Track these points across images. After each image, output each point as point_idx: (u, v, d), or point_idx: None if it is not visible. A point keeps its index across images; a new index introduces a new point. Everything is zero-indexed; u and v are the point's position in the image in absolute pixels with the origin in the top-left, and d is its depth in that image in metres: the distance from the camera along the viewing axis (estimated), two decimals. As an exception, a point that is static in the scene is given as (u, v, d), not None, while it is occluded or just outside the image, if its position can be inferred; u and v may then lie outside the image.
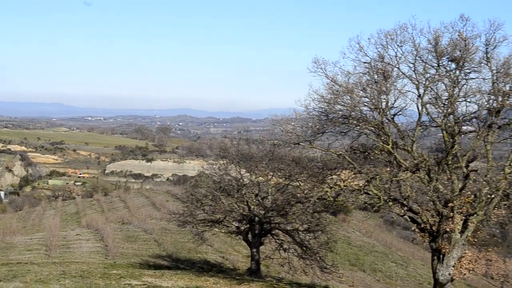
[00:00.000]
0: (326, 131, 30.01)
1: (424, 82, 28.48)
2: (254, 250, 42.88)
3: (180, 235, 62.02)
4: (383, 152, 29.12)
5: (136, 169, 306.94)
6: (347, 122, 28.95)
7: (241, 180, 43.18)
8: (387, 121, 29.11)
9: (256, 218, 42.11)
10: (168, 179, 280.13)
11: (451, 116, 28.43)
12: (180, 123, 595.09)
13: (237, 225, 43.52)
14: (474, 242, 29.24)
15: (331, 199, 29.97)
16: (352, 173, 29.30)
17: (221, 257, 54.79)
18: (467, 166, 28.74)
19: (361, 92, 28.83)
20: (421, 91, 28.52)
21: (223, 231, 46.19)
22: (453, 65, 28.26)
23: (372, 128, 28.90)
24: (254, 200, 42.29)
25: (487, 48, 27.78)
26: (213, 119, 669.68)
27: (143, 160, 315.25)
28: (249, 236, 43.23)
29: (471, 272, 29.36)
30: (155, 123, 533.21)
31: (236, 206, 42.43)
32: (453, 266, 28.41)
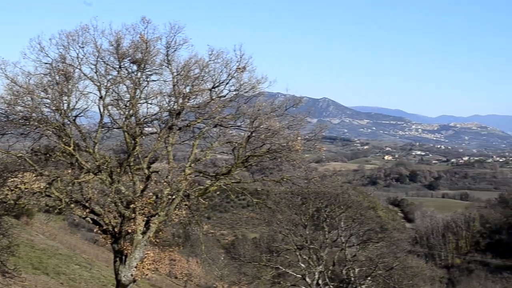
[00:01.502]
0: (7, 132, 28.79)
1: (105, 84, 28.56)
2: None
3: None
4: (65, 154, 28.63)
5: None
6: (28, 123, 27.93)
7: None
8: (68, 122, 28.63)
9: None
10: None
11: (133, 117, 28.82)
12: None
13: None
14: (156, 243, 29.85)
15: (12, 202, 28.81)
16: (34, 175, 28.40)
17: None
18: (148, 168, 29.33)
19: (42, 93, 28.07)
20: (103, 92, 28.55)
21: None
22: (135, 67, 28.73)
23: (53, 129, 28.17)
24: None
25: (168, 51, 28.64)
26: None
27: None
28: None
29: (154, 272, 30.04)
30: None
31: None
32: (135, 267, 28.71)
